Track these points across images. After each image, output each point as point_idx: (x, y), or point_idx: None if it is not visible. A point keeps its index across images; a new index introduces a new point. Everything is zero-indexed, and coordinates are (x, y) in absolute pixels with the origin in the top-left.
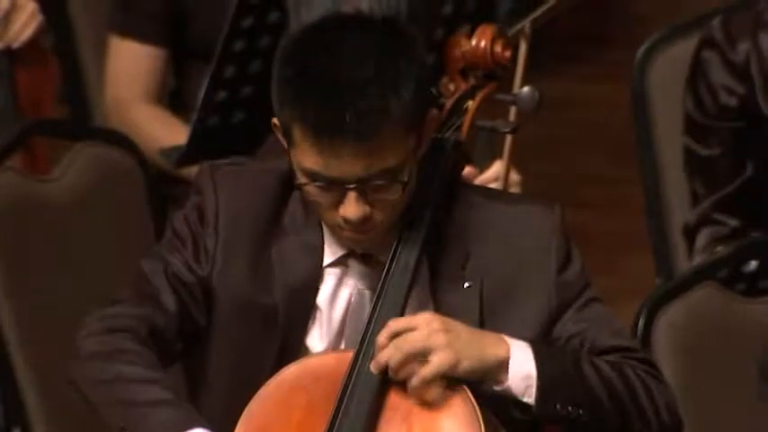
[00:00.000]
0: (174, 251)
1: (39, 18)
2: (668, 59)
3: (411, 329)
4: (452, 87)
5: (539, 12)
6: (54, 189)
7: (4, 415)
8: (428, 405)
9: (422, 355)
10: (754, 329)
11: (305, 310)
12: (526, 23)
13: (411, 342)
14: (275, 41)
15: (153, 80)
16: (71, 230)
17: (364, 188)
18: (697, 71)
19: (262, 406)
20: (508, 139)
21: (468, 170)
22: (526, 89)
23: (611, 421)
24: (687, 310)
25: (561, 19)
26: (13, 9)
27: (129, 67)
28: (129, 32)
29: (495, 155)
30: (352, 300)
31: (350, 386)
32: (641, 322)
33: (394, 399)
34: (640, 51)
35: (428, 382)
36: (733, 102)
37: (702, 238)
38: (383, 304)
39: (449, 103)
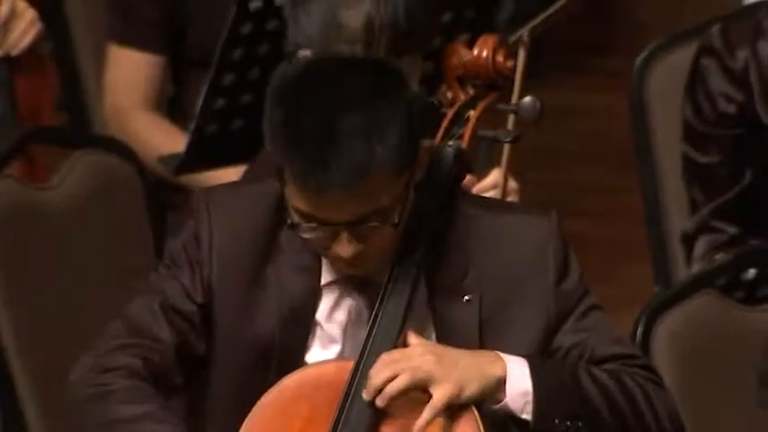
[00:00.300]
0: (172, 279)
1: (38, 25)
2: (667, 68)
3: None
4: (451, 96)
5: (537, 20)
6: (53, 197)
7: (3, 423)
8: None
9: (419, 387)
10: (753, 337)
11: (302, 331)
12: (524, 32)
13: (411, 375)
14: (274, 49)
15: (151, 88)
16: (70, 238)
17: (356, 229)
18: (696, 78)
19: (262, 415)
20: (506, 147)
21: (466, 179)
22: (527, 99)
23: (612, 431)
24: (686, 317)
25: (560, 28)
26: (12, 16)
27: (128, 74)
28: (127, 40)
29: (493, 163)
30: (351, 317)
31: (351, 395)
32: (640, 330)
33: (394, 408)
34: (639, 59)
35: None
36: (732, 109)
37: (701, 245)
38: (383, 318)
39: (450, 114)
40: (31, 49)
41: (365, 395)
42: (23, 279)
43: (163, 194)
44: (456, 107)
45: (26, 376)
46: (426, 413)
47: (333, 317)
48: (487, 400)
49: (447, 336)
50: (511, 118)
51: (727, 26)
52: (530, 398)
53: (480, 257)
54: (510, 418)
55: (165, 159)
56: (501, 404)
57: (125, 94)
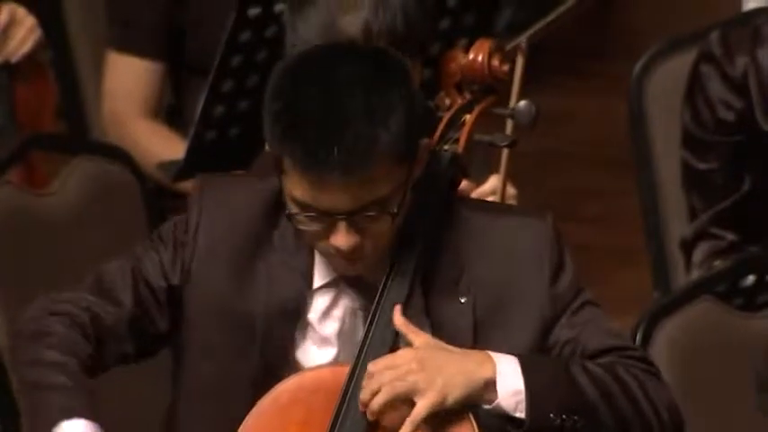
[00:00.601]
0: (153, 251)
1: (37, 32)
2: (666, 73)
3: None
4: (448, 102)
5: (537, 27)
6: (52, 203)
7: (2, 429)
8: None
9: (406, 398)
10: (752, 344)
11: (288, 328)
12: (523, 38)
13: (391, 389)
14: (273, 56)
15: (150, 95)
16: (69, 244)
17: (354, 219)
18: (695, 85)
19: (258, 420)
20: (505, 152)
21: (464, 184)
22: (523, 103)
23: (610, 424)
24: (685, 324)
25: (559, 33)
26: (11, 23)
27: (127, 81)
28: (126, 47)
29: (491, 168)
30: (346, 319)
31: (346, 400)
32: (639, 336)
33: (389, 415)
34: (638, 65)
35: (418, 424)
36: (731, 116)
37: (700, 252)
38: (379, 321)
39: (446, 117)
40: (31, 57)
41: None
42: (22, 285)
43: (162, 201)
44: (452, 111)
45: None
46: (406, 427)
47: (327, 318)
48: (477, 402)
49: (443, 339)
50: (509, 123)
51: (727, 33)
52: (522, 396)
53: (475, 260)
54: (505, 418)
55: (165, 166)
56: (493, 404)
57: (124, 100)
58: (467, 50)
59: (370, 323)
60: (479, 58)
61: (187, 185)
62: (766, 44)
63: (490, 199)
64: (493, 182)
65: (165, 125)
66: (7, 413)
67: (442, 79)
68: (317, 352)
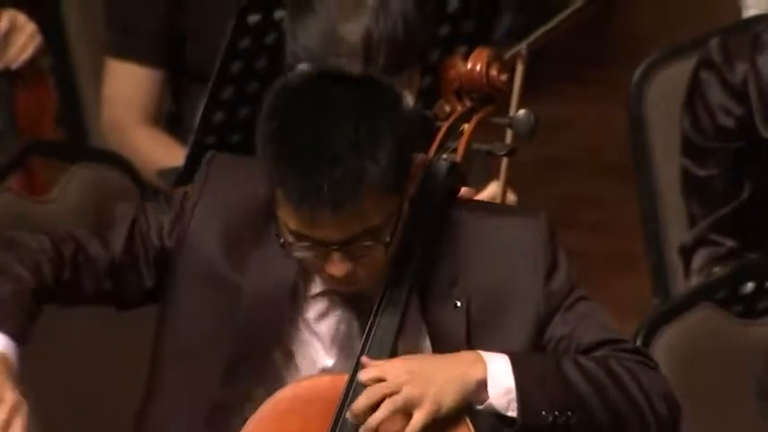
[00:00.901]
0: (156, 211)
1: (38, 39)
2: (666, 80)
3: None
4: (448, 108)
5: (536, 34)
6: (51, 210)
7: None
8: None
9: (401, 410)
10: (752, 350)
11: (272, 315)
12: (523, 45)
13: (391, 404)
14: (273, 63)
15: (150, 101)
16: None
17: (348, 249)
18: (695, 92)
19: (257, 427)
20: (504, 160)
21: (464, 191)
22: (522, 112)
23: (604, 418)
24: (684, 331)
25: (559, 40)
26: (12, 30)
27: (127, 88)
28: (126, 54)
29: (491, 176)
30: (341, 327)
31: (343, 411)
32: (639, 343)
33: (385, 425)
34: (638, 72)
35: None
36: (730, 123)
37: (699, 258)
38: (377, 332)
39: (444, 127)
40: (32, 63)
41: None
42: None
43: None
44: (450, 120)
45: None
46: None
47: (321, 326)
48: (470, 403)
49: (440, 344)
50: (509, 131)
51: (727, 39)
52: (513, 395)
53: (469, 262)
54: (498, 417)
55: (164, 173)
56: (485, 405)
57: (123, 107)
58: (466, 57)
59: (368, 334)
60: (477, 67)
61: None
62: (766, 51)
63: None
64: (492, 188)
65: (164, 132)
66: None
67: (441, 86)
68: (312, 360)
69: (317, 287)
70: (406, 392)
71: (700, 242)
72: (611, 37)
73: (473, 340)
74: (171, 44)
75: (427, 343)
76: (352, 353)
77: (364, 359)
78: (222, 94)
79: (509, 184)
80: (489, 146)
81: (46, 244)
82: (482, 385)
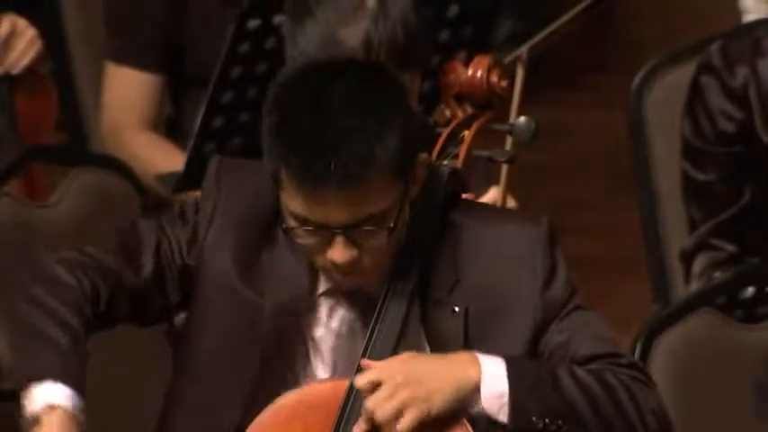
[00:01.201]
0: (173, 228)
1: (38, 44)
2: (666, 85)
3: (378, 385)
4: (449, 113)
5: (536, 39)
6: (51, 215)
7: None
8: None
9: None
10: (753, 355)
11: (290, 331)
12: (524, 50)
13: (381, 411)
14: (272, 67)
15: (150, 106)
16: None
17: (351, 233)
18: (695, 96)
19: None
20: (505, 165)
21: (464, 196)
22: (522, 119)
23: (594, 429)
24: (684, 336)
25: (558, 45)
26: (12, 35)
27: (126, 93)
28: (125, 59)
29: (491, 181)
30: (344, 329)
31: (344, 417)
32: (639, 348)
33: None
34: (638, 77)
35: None
36: (731, 127)
37: (699, 263)
38: (378, 336)
39: (445, 133)
40: (32, 68)
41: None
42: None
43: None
44: (451, 127)
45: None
46: None
47: (326, 326)
48: (463, 405)
49: (438, 348)
50: (508, 137)
51: (727, 44)
52: (505, 399)
53: (468, 268)
54: (491, 420)
55: (163, 178)
56: (477, 408)
57: (123, 112)
58: (466, 63)
59: (369, 339)
60: (478, 73)
61: (186, 198)
62: (766, 56)
63: None
64: (492, 194)
65: (164, 137)
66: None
67: (441, 91)
68: (315, 362)
69: (322, 286)
70: (400, 397)
71: (700, 247)
72: (610, 43)
73: (471, 346)
74: (170, 50)
75: (426, 348)
76: (353, 354)
77: (364, 362)
78: (222, 99)
79: (509, 189)
80: (490, 152)
81: (85, 283)
82: (476, 388)
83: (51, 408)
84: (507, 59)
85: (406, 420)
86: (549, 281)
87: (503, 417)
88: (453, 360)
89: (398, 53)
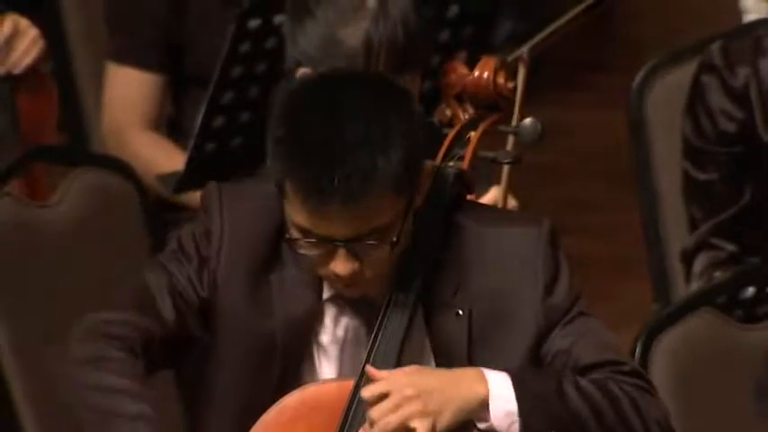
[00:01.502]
0: (180, 265)
1: (40, 44)
2: (666, 85)
3: (384, 396)
4: (449, 113)
5: (537, 39)
6: (52, 215)
7: None
8: None
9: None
10: (753, 355)
11: (303, 344)
12: (525, 50)
13: (385, 422)
14: (273, 67)
15: (150, 106)
16: (70, 256)
17: (354, 246)
18: (696, 96)
19: None
20: (506, 166)
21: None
22: (528, 121)
23: None
24: (685, 336)
25: (558, 45)
26: (14, 35)
27: (127, 93)
28: (126, 59)
29: (492, 181)
30: (349, 335)
31: (350, 417)
32: (639, 348)
33: None
34: (639, 77)
35: None
36: (732, 127)
37: (700, 262)
38: (382, 340)
39: (451, 135)
40: (34, 68)
41: None
42: (23, 297)
43: (162, 213)
44: (457, 128)
45: (25, 394)
46: None
47: (331, 333)
48: (469, 421)
49: (442, 352)
50: (510, 138)
51: (728, 43)
52: (515, 417)
53: (471, 271)
54: None
55: (164, 178)
56: (487, 425)
57: (124, 112)
58: (467, 63)
59: (373, 342)
60: (485, 75)
61: (187, 197)
62: (767, 55)
63: None
64: (493, 194)
65: (165, 136)
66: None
67: (441, 91)
68: (321, 367)
69: (326, 292)
70: (409, 409)
71: (700, 246)
72: (610, 43)
73: (474, 349)
74: (171, 49)
75: (430, 352)
76: (358, 359)
77: (368, 369)
78: (222, 99)
79: (510, 189)
80: (495, 153)
81: (127, 351)
82: (483, 404)
83: None
84: (508, 59)
85: None
86: (551, 286)
87: None
88: (460, 375)
89: (399, 53)
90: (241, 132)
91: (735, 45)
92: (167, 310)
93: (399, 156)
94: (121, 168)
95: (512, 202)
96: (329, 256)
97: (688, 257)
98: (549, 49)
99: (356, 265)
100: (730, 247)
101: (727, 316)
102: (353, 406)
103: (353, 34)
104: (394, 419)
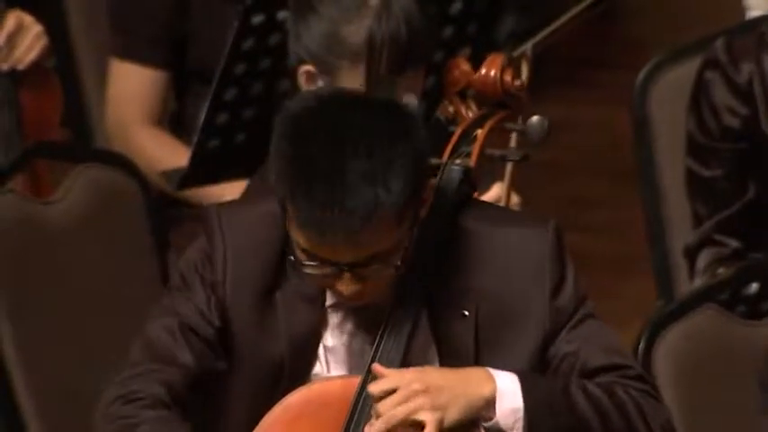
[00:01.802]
0: (186, 301)
1: (44, 40)
2: (670, 82)
3: (392, 392)
4: (452, 110)
5: (540, 36)
6: (55, 211)
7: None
8: None
9: (408, 421)
10: (755, 352)
11: (309, 355)
12: (528, 46)
13: (391, 415)
14: (276, 63)
15: (154, 102)
16: (73, 252)
17: (358, 271)
18: (700, 92)
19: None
20: (510, 163)
21: None
22: (535, 118)
23: None
24: (688, 332)
25: (562, 42)
26: (18, 31)
27: (131, 89)
28: (130, 55)
29: (495, 178)
30: (354, 337)
31: (354, 417)
32: (642, 345)
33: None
34: (642, 73)
35: None
36: (736, 123)
37: (703, 259)
38: (387, 340)
39: (458, 132)
40: (37, 64)
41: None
42: (26, 293)
43: (165, 209)
44: (464, 126)
45: (28, 390)
46: None
47: (337, 337)
48: (476, 419)
49: (448, 353)
50: (513, 135)
51: (732, 39)
52: (520, 415)
53: (477, 272)
54: None
55: (168, 174)
56: (492, 423)
57: (127, 108)
58: (470, 60)
59: (379, 341)
60: (492, 73)
61: (191, 193)
62: None
63: None
64: (496, 190)
65: (168, 132)
66: (11, 416)
67: (444, 87)
68: (329, 366)
69: (331, 298)
70: (417, 403)
71: (704, 242)
72: (613, 39)
73: (481, 350)
74: (174, 45)
75: (435, 354)
76: (364, 361)
77: (375, 366)
78: (226, 95)
79: (513, 185)
80: (502, 151)
81: (153, 406)
82: (490, 403)
83: None
84: (512, 55)
85: (428, 429)
86: (557, 289)
87: None
88: (467, 373)
89: (401, 51)
90: (244, 129)
91: (739, 41)
92: (185, 354)
93: (401, 187)
94: (124, 164)
95: (514, 199)
96: (334, 277)
97: (691, 254)
98: (551, 45)
99: (360, 287)
100: (734, 244)
101: (731, 312)
102: (360, 403)
103: (357, 31)
104: (401, 411)
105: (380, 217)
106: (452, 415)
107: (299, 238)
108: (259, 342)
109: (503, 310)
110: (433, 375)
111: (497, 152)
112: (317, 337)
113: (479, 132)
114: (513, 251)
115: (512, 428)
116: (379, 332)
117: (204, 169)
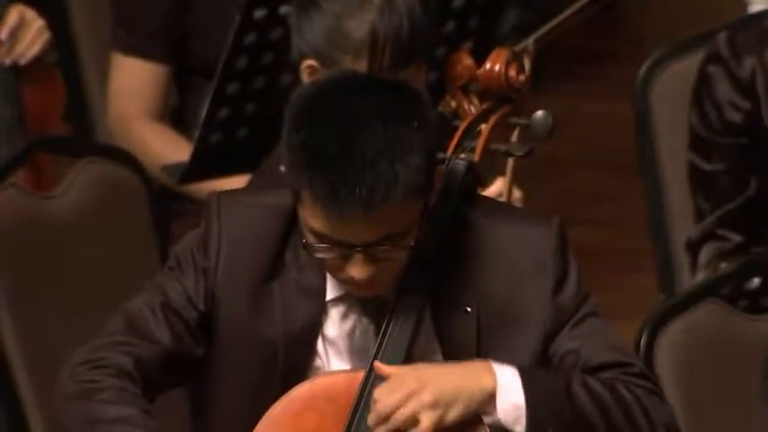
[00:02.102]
0: (175, 281)
1: (46, 34)
2: (671, 76)
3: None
4: (454, 104)
5: (543, 30)
6: (57, 206)
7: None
8: None
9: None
10: (757, 346)
11: (306, 347)
12: (530, 41)
13: (395, 416)
14: (278, 58)
15: (155, 97)
16: (74, 246)
17: (371, 251)
18: (702, 86)
19: (271, 427)
20: (511, 158)
21: None
22: (540, 113)
23: None
24: (689, 327)
25: (564, 37)
26: (20, 26)
27: (132, 83)
28: (131, 49)
29: (497, 172)
30: (358, 331)
31: (358, 412)
32: (644, 339)
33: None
34: (644, 67)
35: None
36: (738, 117)
37: (705, 253)
38: (391, 334)
39: (462, 126)
40: (40, 59)
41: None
42: (28, 288)
43: (167, 203)
44: (468, 120)
45: (30, 384)
46: None
47: (339, 331)
48: (477, 413)
49: (451, 349)
50: (516, 129)
51: (734, 34)
52: (522, 411)
53: (480, 268)
54: (504, 430)
55: (170, 168)
56: (493, 418)
57: (129, 102)
58: (473, 55)
59: (382, 338)
60: (497, 67)
61: (193, 188)
62: None
63: None
64: (498, 185)
65: (170, 127)
66: (14, 422)
67: (447, 82)
68: (329, 366)
69: (334, 291)
70: (415, 402)
71: (706, 237)
72: (615, 33)
73: (483, 347)
74: (176, 40)
75: (438, 349)
76: (366, 354)
77: (376, 364)
78: (228, 90)
79: (514, 180)
80: (506, 146)
81: (117, 375)
82: (491, 396)
83: None
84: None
85: (423, 425)
86: (560, 286)
87: (519, 428)
88: (468, 368)
89: (404, 46)
90: (246, 123)
91: (741, 35)
92: (161, 330)
93: (418, 162)
94: (126, 159)
95: (516, 194)
96: (345, 260)
97: (694, 248)
98: (554, 39)
99: (372, 269)
100: (736, 238)
101: (733, 307)
102: (363, 400)
103: (359, 26)
104: (402, 413)
105: (400, 194)
106: (453, 411)
107: (314, 222)
108: (252, 325)
109: (505, 306)
110: (434, 371)
111: (502, 147)
112: (315, 330)
113: (484, 127)
114: (517, 248)
115: (513, 424)
116: (383, 326)
117: (206, 164)
